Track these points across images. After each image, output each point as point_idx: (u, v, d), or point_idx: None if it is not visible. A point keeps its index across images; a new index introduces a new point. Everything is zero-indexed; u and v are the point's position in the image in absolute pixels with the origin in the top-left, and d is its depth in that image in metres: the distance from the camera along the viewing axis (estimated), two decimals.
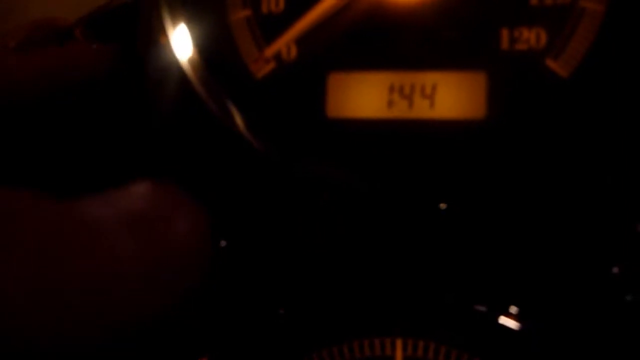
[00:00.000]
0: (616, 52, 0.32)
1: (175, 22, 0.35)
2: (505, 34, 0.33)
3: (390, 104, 0.34)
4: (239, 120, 0.34)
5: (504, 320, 0.32)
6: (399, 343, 0.33)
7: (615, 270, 0.32)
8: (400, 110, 0.34)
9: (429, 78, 0.34)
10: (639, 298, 0.31)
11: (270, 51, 0.34)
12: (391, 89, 0.34)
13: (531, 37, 0.33)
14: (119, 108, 0.37)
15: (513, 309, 0.32)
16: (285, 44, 0.34)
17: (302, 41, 0.34)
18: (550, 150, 0.32)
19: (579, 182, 0.32)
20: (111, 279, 0.17)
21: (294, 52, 0.35)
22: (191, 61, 0.35)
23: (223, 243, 0.35)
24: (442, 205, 0.32)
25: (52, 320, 0.16)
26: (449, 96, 0.33)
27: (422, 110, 0.33)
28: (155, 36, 0.34)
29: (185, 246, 0.18)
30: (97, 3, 0.39)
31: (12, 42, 0.34)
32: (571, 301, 0.32)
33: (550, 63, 0.32)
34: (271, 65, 0.35)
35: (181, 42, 0.35)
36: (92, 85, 0.35)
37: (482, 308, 0.32)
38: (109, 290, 0.17)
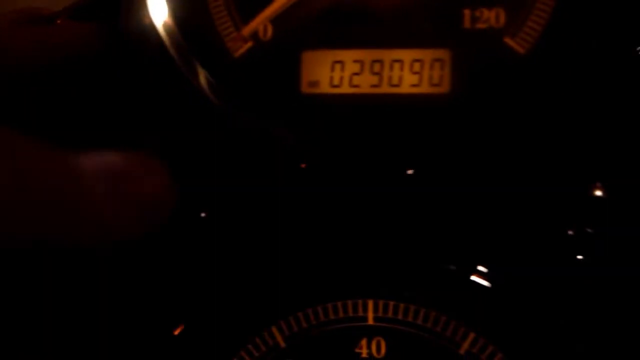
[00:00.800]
0: (570, 30, 0.34)
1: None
2: (467, 13, 0.35)
3: (360, 80, 0.36)
4: (218, 94, 0.36)
5: (471, 277, 0.34)
6: (370, 304, 0.34)
7: (570, 232, 0.34)
8: (370, 86, 0.36)
9: (396, 55, 0.36)
10: (590, 258, 0.34)
11: (247, 30, 0.36)
12: (362, 66, 0.36)
13: (491, 16, 0.35)
14: (107, 82, 0.38)
15: (480, 268, 0.34)
16: (261, 23, 0.36)
17: (277, 21, 0.36)
18: (509, 120, 0.34)
19: (535, 149, 0.34)
20: (89, 212, 0.22)
21: (270, 31, 0.37)
22: (171, 37, 0.36)
23: (203, 214, 0.37)
24: (409, 171, 0.34)
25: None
26: (416, 73, 0.36)
27: (390, 85, 0.36)
28: (137, 13, 0.36)
29: (151, 198, 0.24)
30: None
31: None
32: (531, 260, 0.34)
33: (509, 40, 0.35)
34: (248, 44, 0.37)
35: (161, 18, 0.36)
36: (81, 62, 0.36)
37: (450, 266, 0.34)
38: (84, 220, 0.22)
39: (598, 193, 0.34)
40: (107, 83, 0.38)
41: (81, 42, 0.36)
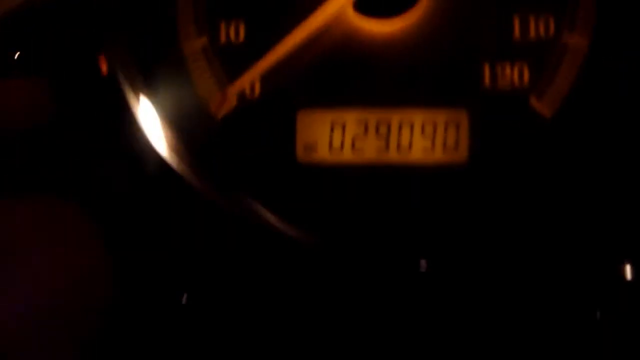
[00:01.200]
0: (600, 89, 0.30)
1: (123, 58, 0.31)
2: (487, 70, 0.31)
3: (364, 145, 0.31)
4: (202, 175, 0.30)
5: None
6: None
7: (598, 315, 0.31)
8: (376, 153, 0.31)
9: (406, 116, 0.31)
10: (621, 342, 0.31)
11: (232, 90, 0.31)
12: (365, 129, 0.31)
13: (514, 74, 0.31)
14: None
15: None
16: (249, 82, 0.31)
17: (267, 76, 0.31)
18: (533, 191, 0.31)
19: (564, 226, 0.30)
20: None
21: (258, 89, 0.31)
22: (143, 102, 0.31)
23: (184, 298, 0.32)
24: (422, 264, 0.30)
25: None
26: (428, 137, 0.31)
27: (399, 152, 0.31)
28: (104, 75, 0.30)
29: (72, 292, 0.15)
30: None
31: None
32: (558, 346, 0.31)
33: (534, 102, 0.31)
34: (233, 104, 0.31)
35: (132, 80, 0.31)
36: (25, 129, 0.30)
37: None
38: None
39: (628, 273, 0.31)
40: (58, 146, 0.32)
41: (31, 102, 0.30)
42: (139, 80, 0.31)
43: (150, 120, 0.31)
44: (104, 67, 0.31)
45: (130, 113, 0.31)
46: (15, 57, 0.32)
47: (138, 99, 0.31)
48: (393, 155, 0.31)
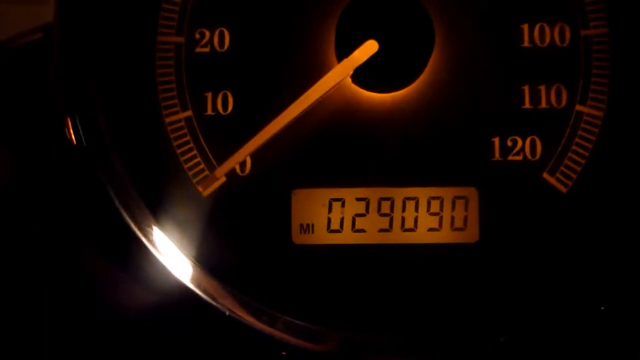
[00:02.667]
0: (618, 161, 0.28)
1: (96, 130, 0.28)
2: (496, 142, 0.29)
3: (366, 226, 0.29)
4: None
5: None
6: None
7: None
8: (378, 235, 0.29)
9: (410, 195, 0.29)
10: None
11: (221, 171, 0.28)
12: (367, 209, 0.29)
13: (525, 146, 0.28)
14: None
15: None
16: (239, 161, 0.28)
17: (258, 152, 0.28)
18: (552, 281, 0.28)
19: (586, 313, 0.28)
20: None
21: (249, 165, 0.29)
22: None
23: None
24: None
25: None
26: (435, 216, 0.29)
27: (403, 233, 0.29)
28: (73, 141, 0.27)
29: None
30: None
31: None
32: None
33: (547, 176, 0.28)
34: (220, 181, 0.29)
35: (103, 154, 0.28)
36: None
37: None
38: None
39: None
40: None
41: None
42: (116, 157, 0.28)
43: (130, 199, 0.28)
44: (72, 136, 0.28)
45: (106, 192, 0.28)
46: None
47: (115, 179, 0.28)
48: (396, 238, 0.29)
